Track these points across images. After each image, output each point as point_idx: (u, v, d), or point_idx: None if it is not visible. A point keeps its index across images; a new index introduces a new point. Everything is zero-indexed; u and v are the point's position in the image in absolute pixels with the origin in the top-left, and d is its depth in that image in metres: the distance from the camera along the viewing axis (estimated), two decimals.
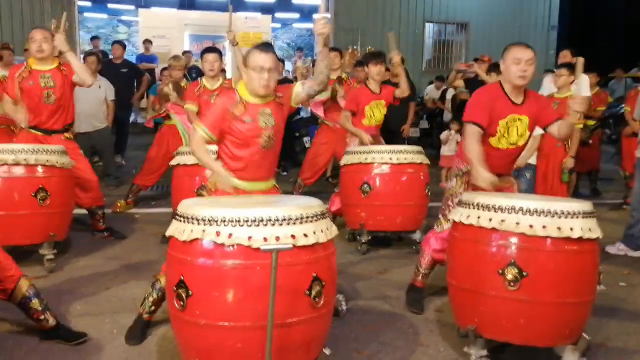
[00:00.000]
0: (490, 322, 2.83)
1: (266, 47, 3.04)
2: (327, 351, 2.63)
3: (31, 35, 4.75)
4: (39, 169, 4.22)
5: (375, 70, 5.42)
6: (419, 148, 5.03)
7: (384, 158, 4.86)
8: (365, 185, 4.88)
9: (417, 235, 4.96)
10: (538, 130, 5.54)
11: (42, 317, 3.00)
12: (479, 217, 2.85)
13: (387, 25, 13.59)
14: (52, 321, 3.05)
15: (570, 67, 5.86)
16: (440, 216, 3.64)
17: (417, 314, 3.62)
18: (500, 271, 2.74)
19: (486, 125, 3.33)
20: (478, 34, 14.35)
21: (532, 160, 5.67)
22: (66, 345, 3.06)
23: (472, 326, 2.86)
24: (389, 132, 6.52)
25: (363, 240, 4.92)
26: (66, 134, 4.91)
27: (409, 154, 4.88)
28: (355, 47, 13.11)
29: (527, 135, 3.48)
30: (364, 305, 3.78)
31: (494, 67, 6.15)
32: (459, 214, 3.00)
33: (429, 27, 14.70)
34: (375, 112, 5.49)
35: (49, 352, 3.00)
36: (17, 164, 4.14)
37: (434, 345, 3.21)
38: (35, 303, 2.97)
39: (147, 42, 12.43)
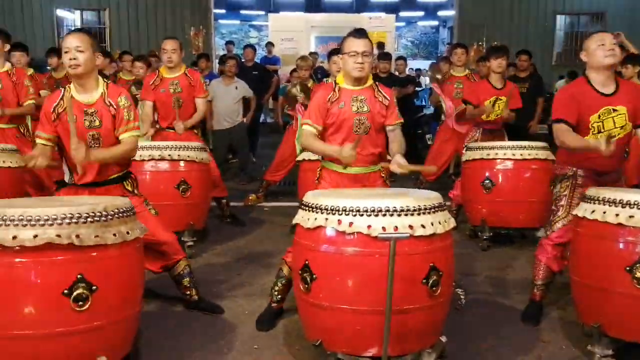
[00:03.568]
0: (616, 321, 2.75)
1: (360, 32, 3.18)
2: (443, 338, 2.70)
3: (163, 45, 5.17)
4: (181, 163, 4.65)
5: (495, 64, 5.42)
6: (544, 144, 4.89)
7: (507, 154, 4.78)
8: (487, 181, 4.82)
9: (540, 233, 4.78)
10: None
11: (187, 292, 3.53)
12: (604, 213, 2.77)
13: (514, 19, 13.14)
14: (195, 296, 3.55)
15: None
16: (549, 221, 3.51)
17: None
18: (628, 268, 2.65)
19: (575, 122, 3.19)
20: (616, 24, 13.36)
21: None
22: (206, 322, 3.42)
23: (596, 324, 2.79)
24: (515, 129, 6.38)
25: (484, 237, 4.88)
26: (195, 131, 5.32)
27: (534, 150, 4.76)
28: (480, 43, 12.80)
29: (629, 127, 3.26)
30: (484, 299, 3.79)
31: (630, 59, 5.78)
32: (583, 209, 2.93)
33: (560, 19, 13.99)
34: (495, 107, 5.44)
35: (192, 328, 3.35)
36: (162, 159, 4.59)
37: (555, 342, 3.16)
38: (186, 281, 3.50)
39: (269, 44, 12.91)
